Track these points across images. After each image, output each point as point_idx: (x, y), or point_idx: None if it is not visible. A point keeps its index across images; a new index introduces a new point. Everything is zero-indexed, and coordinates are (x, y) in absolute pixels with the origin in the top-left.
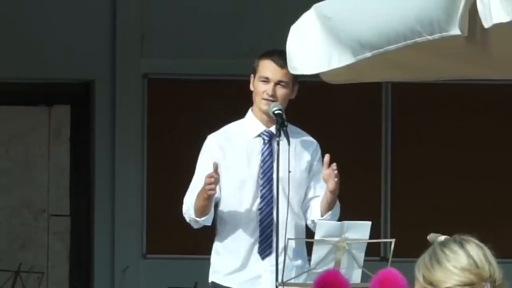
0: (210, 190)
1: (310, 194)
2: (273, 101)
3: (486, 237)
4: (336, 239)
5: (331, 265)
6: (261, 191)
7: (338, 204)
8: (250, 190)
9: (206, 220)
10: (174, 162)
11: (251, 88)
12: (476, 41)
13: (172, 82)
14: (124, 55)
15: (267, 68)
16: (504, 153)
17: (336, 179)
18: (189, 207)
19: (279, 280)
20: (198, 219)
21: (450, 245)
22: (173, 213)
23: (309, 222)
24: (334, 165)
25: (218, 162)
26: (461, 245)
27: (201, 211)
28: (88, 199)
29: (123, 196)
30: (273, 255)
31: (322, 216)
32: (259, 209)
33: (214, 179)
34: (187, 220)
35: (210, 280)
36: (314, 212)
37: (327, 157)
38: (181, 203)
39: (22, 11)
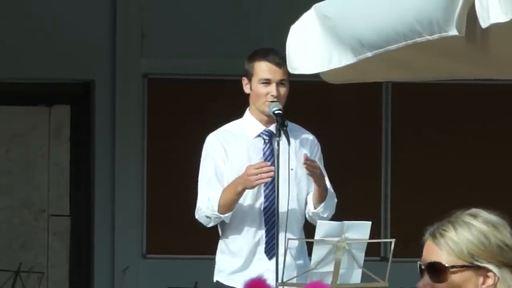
0: (261, 179)
1: (309, 189)
2: (277, 101)
3: None
4: (336, 239)
5: (331, 265)
6: (264, 191)
7: (332, 196)
8: (253, 190)
9: (229, 217)
10: (174, 162)
11: (246, 91)
12: (476, 41)
13: (172, 82)
14: (124, 55)
15: (266, 69)
16: (504, 152)
17: (314, 170)
18: (213, 204)
19: (279, 280)
20: (221, 215)
21: None
22: (173, 213)
23: (307, 216)
24: (304, 160)
25: (222, 160)
26: None
27: (228, 206)
28: (88, 199)
29: (123, 196)
30: (280, 254)
31: (315, 208)
32: (264, 209)
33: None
34: (204, 217)
35: (215, 279)
36: (309, 205)
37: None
38: (181, 203)
39: (22, 11)
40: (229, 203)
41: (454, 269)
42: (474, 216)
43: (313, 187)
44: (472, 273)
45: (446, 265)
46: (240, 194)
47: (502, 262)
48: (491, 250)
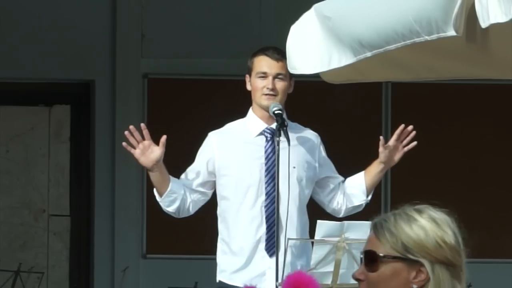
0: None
1: (334, 183)
2: (273, 95)
3: (485, 237)
4: (336, 239)
5: (331, 265)
6: (265, 188)
7: None
8: (254, 188)
9: (164, 202)
10: (174, 162)
11: (248, 88)
12: (476, 41)
13: (172, 82)
14: (124, 55)
15: (263, 63)
16: (505, 151)
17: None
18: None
19: (279, 279)
20: (159, 200)
21: None
22: None
23: (344, 208)
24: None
25: (216, 160)
26: None
27: (157, 188)
28: (88, 199)
29: (123, 196)
30: (280, 252)
31: (367, 196)
32: (265, 207)
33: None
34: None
35: (217, 279)
36: (360, 196)
37: (382, 139)
38: None
39: (22, 11)
40: (155, 184)
41: (386, 259)
42: (419, 211)
43: (333, 180)
44: (404, 266)
45: (380, 254)
46: (152, 176)
47: (437, 258)
48: (427, 245)
